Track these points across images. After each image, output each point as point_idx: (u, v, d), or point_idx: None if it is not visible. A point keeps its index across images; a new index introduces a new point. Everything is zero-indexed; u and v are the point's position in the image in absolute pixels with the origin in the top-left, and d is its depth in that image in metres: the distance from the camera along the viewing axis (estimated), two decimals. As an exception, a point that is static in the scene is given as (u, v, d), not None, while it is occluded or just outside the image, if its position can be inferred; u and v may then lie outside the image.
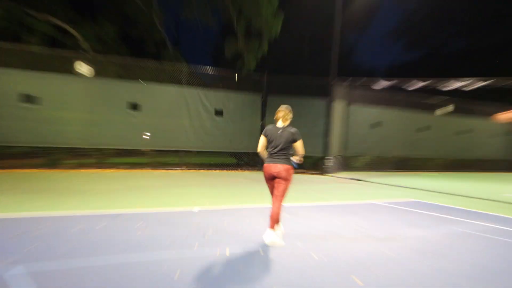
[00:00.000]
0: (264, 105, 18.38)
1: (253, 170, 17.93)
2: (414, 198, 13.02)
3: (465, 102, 25.41)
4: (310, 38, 27.70)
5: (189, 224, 7.77)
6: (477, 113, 26.46)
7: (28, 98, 14.34)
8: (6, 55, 14.44)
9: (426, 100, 23.39)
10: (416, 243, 7.42)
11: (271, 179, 6.63)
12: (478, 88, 19.91)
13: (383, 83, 16.62)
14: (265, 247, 6.39)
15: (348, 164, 20.71)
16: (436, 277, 5.59)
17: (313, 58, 27.85)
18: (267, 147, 6.69)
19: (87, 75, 15.21)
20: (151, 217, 8.15)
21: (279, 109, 6.81)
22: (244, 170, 17.99)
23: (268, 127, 6.77)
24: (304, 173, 18.56)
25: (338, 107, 18.79)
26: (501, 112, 29.24)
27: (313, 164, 19.74)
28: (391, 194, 13.63)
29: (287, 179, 6.51)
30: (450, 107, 24.75)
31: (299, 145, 6.68)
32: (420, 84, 15.72)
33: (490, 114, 28.03)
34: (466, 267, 6.03)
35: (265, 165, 6.63)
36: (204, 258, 5.75)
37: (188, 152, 17.51)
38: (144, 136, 15.46)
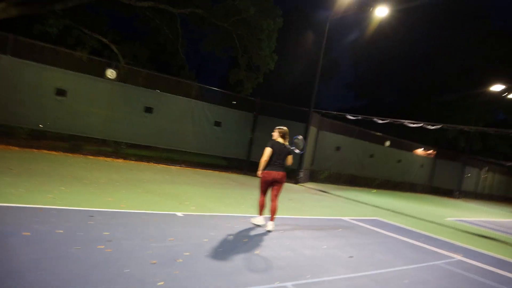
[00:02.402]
0: (254, 122, 15.47)
1: (239, 173, 15.00)
2: (374, 216, 10.17)
3: (397, 140, 22.99)
4: (294, 77, 25.14)
5: (164, 235, 4.78)
6: (405, 148, 23.93)
7: (62, 92, 11.31)
8: (53, 55, 11.49)
9: (373, 134, 20.77)
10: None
11: (271, 182, 6.15)
12: (405, 130, 17.77)
13: (348, 117, 13.83)
14: None
15: (313, 176, 17.92)
16: None
17: (294, 92, 25.28)
18: (271, 158, 6.09)
19: (114, 79, 12.15)
20: (129, 219, 5.12)
21: (282, 129, 6.35)
22: (233, 173, 15.05)
23: (274, 142, 6.19)
24: (279, 180, 15.63)
25: (312, 131, 15.99)
26: (420, 148, 26.84)
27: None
28: (355, 210, 10.78)
29: (283, 182, 6.26)
30: (388, 142, 22.14)
31: (291, 158, 6.38)
32: (378, 120, 13.02)
33: (414, 149, 25.59)
34: None
35: (270, 171, 6.08)
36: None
37: (187, 152, 14.49)
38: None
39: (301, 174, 15.53)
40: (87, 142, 12.82)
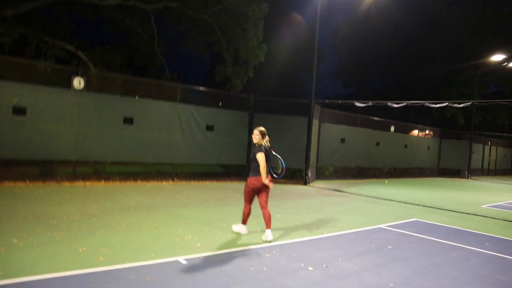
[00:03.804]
0: (251, 122, 13.71)
1: (240, 180, 13.25)
2: (410, 217, 8.53)
3: (402, 123, 21.61)
4: (284, 68, 23.35)
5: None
6: (408, 131, 22.61)
7: (21, 111, 9.41)
8: (6, 68, 9.63)
9: (376, 120, 19.24)
10: None
11: (259, 189, 5.56)
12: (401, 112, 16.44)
13: (357, 104, 12.18)
14: None
15: (319, 173, 16.25)
16: None
17: (284, 84, 23.46)
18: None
19: (82, 89, 10.28)
20: (109, 285, 3.29)
21: (262, 129, 5.72)
22: (233, 180, 13.32)
23: (263, 147, 5.61)
24: (286, 183, 13.94)
25: (314, 125, 14.31)
26: (423, 130, 25.39)
27: (291, 174, 15.19)
28: (385, 211, 9.12)
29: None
30: (393, 127, 20.64)
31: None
32: (393, 104, 11.41)
33: (415, 131, 24.20)
34: None
35: (259, 177, 5.47)
36: None
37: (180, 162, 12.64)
38: None
39: (310, 174, 13.85)
40: (61, 164, 10.92)
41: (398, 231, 6.87)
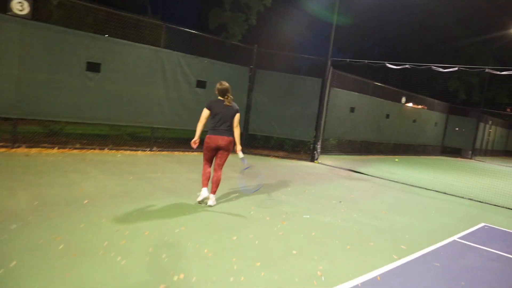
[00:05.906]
0: (251, 80, 11.08)
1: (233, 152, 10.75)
2: (475, 221, 6.33)
3: (412, 95, 19.32)
4: (291, 20, 20.23)
5: None
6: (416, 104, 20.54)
7: None
8: None
9: (388, 89, 16.86)
10: None
11: (214, 150, 5.17)
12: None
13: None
14: None
15: (322, 147, 13.89)
16: None
17: (286, 39, 20.46)
18: (213, 121, 5.11)
19: (26, 14, 7.35)
20: None
21: (224, 85, 5.16)
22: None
23: (213, 100, 5.18)
24: (289, 157, 11.61)
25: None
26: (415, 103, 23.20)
27: (292, 147, 12.83)
28: (433, 207, 6.89)
29: (229, 150, 5.23)
30: (404, 98, 18.35)
31: (237, 118, 5.24)
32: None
33: (423, 105, 21.99)
34: None
35: (211, 136, 5.11)
36: None
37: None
38: None
39: (319, 148, 11.49)
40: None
41: (479, 248, 4.65)
